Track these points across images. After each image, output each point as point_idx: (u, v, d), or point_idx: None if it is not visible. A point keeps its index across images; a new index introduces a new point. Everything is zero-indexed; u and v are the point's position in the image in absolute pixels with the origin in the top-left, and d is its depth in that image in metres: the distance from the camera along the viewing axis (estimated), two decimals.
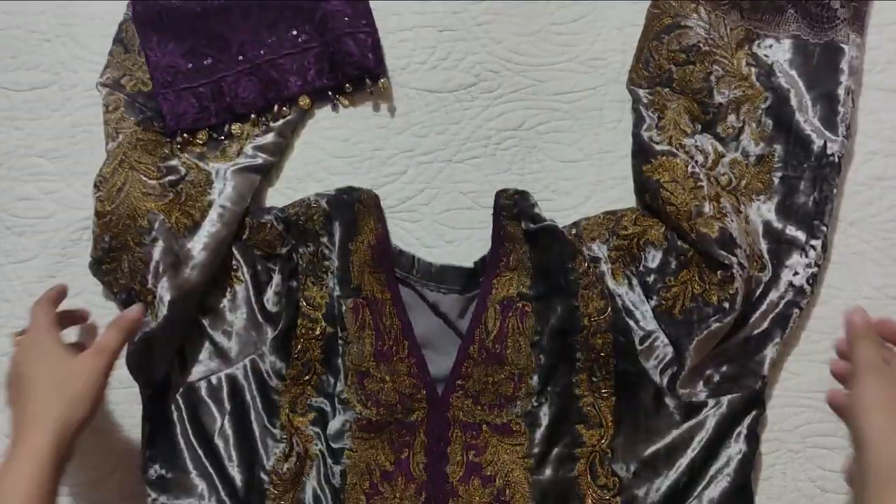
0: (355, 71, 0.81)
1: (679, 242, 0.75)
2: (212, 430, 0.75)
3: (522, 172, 0.84)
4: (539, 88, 0.85)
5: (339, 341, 0.75)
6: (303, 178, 0.84)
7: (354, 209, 0.78)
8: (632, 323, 0.75)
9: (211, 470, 0.74)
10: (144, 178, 0.77)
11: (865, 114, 0.83)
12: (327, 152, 0.85)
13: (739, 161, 0.78)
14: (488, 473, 0.73)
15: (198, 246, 0.75)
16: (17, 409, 0.66)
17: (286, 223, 0.78)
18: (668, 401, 0.74)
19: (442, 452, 0.74)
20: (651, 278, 0.76)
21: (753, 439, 0.74)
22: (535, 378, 0.74)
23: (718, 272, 0.72)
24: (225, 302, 0.77)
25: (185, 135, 0.80)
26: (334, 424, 0.74)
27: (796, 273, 0.76)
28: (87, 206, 0.82)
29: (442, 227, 0.83)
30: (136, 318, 0.72)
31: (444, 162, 0.84)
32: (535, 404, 0.74)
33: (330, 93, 0.83)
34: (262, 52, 0.81)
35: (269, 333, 0.77)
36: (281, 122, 0.82)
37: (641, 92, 0.80)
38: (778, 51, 0.80)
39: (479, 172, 0.84)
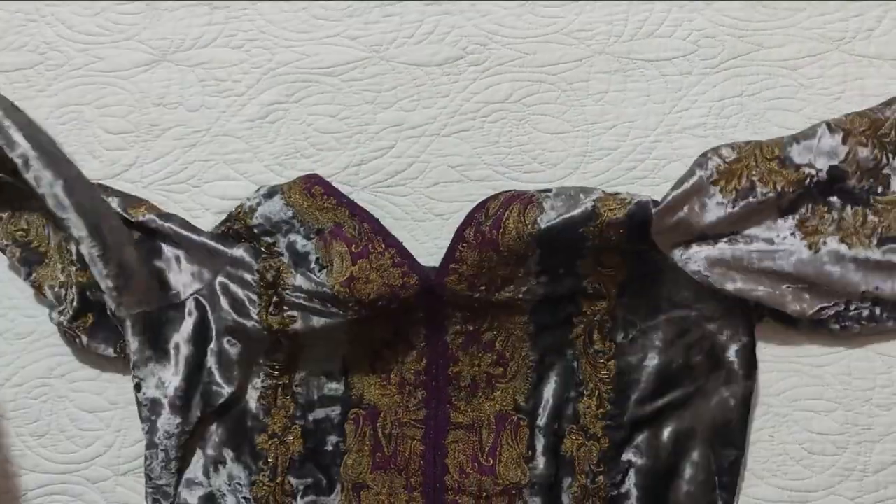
0: None
1: None
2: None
3: (510, 145, 0.84)
4: (526, 61, 0.86)
5: (317, 267, 0.74)
6: (291, 154, 0.85)
7: (274, 186, 0.78)
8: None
9: None
10: None
11: (850, 80, 0.84)
12: (315, 128, 0.85)
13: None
14: (487, 339, 0.75)
15: None
16: None
17: (232, 235, 0.78)
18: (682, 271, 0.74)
19: (440, 325, 0.75)
20: None
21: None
22: (536, 259, 0.72)
23: None
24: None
25: None
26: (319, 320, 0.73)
27: None
28: None
29: (431, 200, 0.83)
30: None
31: (432, 136, 0.85)
32: (535, 282, 0.73)
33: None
34: None
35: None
36: None
37: None
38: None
39: (468, 145, 0.84)
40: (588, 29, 0.86)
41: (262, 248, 0.76)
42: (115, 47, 0.87)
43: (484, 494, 0.74)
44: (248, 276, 0.75)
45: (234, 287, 0.76)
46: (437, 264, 0.80)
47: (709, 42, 0.85)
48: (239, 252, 0.76)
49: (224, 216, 0.80)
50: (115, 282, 0.74)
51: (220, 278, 0.76)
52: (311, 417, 0.76)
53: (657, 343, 0.75)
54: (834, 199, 0.75)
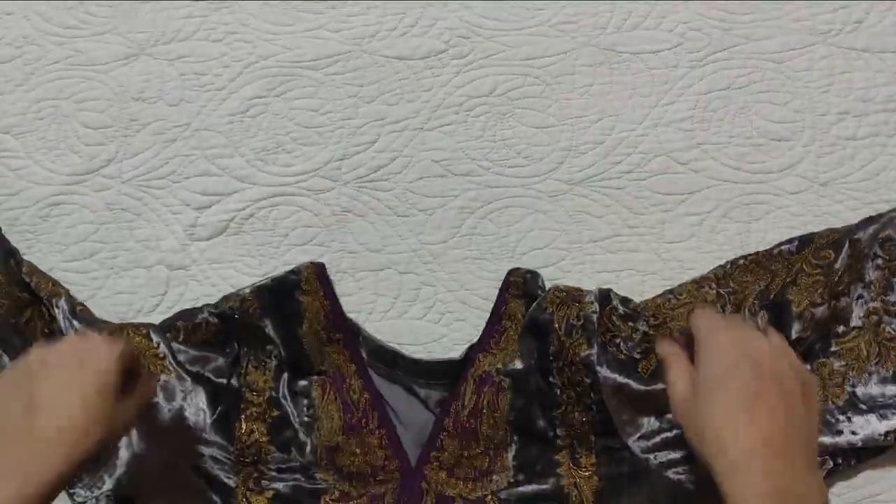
0: None
1: None
2: None
3: (494, 139, 0.83)
4: (510, 54, 0.85)
5: (306, 418, 0.71)
6: (272, 150, 0.83)
7: (296, 298, 0.74)
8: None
9: None
10: None
11: (837, 73, 0.83)
12: (297, 123, 0.84)
13: None
14: None
15: None
16: None
17: (221, 318, 0.74)
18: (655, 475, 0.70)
19: None
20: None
21: None
22: (511, 453, 0.71)
23: None
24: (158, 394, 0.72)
25: None
26: (302, 497, 0.70)
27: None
28: (54, 181, 0.82)
29: (415, 195, 0.82)
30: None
31: (415, 130, 0.84)
32: (513, 480, 0.71)
33: None
34: None
35: (208, 417, 0.72)
36: None
37: None
38: None
39: (451, 140, 0.83)
40: (573, 21, 0.85)
41: (251, 360, 0.73)
42: (93, 41, 0.86)
43: None
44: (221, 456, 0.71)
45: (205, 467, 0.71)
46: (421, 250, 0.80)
47: (695, 35, 0.85)
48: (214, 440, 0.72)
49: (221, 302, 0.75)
50: None
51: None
52: None
53: None
54: None
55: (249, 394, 0.72)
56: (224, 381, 0.73)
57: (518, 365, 0.72)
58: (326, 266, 0.77)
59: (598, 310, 0.71)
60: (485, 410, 0.71)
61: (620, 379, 0.69)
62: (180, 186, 0.83)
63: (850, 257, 0.72)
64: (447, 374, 0.74)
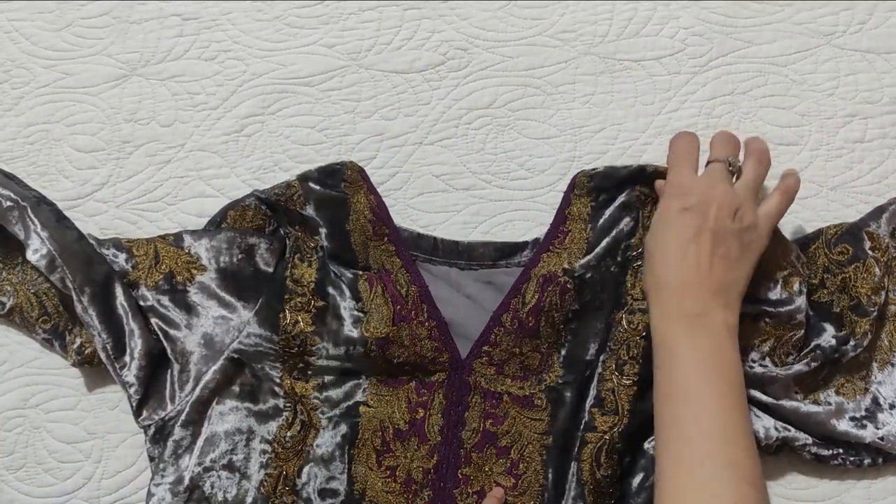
0: None
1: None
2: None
3: (496, 152, 0.82)
4: (509, 65, 0.83)
5: (357, 312, 0.71)
6: (269, 168, 0.82)
7: (341, 189, 0.75)
8: None
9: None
10: None
11: (842, 76, 0.82)
12: (293, 140, 0.82)
13: None
14: (504, 444, 0.70)
15: None
16: None
17: (268, 204, 0.75)
18: None
19: (459, 417, 0.71)
20: None
21: None
22: (563, 353, 0.71)
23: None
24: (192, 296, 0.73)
25: None
26: (347, 385, 0.72)
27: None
28: None
29: (416, 211, 0.81)
30: None
31: (414, 144, 0.82)
32: (560, 381, 0.71)
33: None
34: None
35: (251, 309, 0.72)
36: None
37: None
38: None
39: (452, 153, 0.82)
40: (572, 30, 0.83)
41: (299, 248, 0.73)
42: (82, 62, 0.84)
43: None
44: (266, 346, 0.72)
45: (248, 358, 0.72)
46: None
47: (697, 40, 0.83)
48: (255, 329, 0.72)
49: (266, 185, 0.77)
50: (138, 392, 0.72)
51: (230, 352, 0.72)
52: None
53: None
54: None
55: (294, 286, 0.72)
56: (270, 269, 0.73)
57: (584, 259, 0.72)
58: None
59: None
60: (546, 309, 0.71)
61: None
62: (176, 209, 0.81)
63: (875, 250, 0.72)
64: (486, 255, 0.77)
